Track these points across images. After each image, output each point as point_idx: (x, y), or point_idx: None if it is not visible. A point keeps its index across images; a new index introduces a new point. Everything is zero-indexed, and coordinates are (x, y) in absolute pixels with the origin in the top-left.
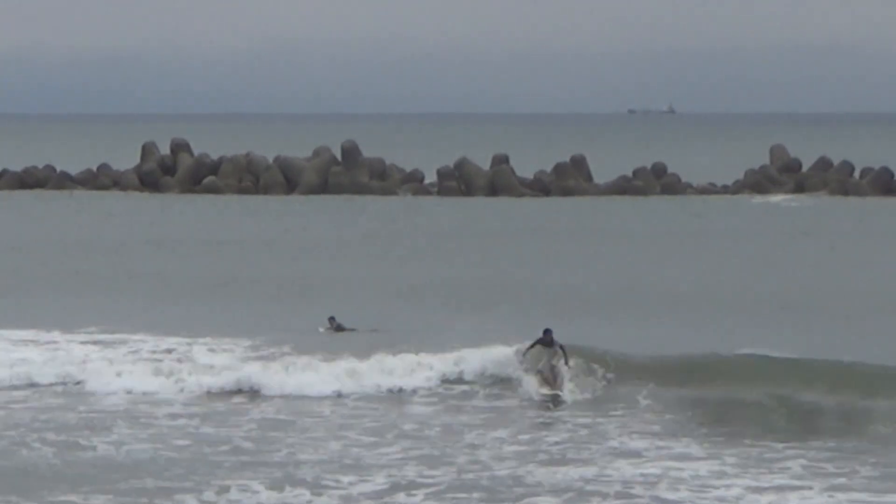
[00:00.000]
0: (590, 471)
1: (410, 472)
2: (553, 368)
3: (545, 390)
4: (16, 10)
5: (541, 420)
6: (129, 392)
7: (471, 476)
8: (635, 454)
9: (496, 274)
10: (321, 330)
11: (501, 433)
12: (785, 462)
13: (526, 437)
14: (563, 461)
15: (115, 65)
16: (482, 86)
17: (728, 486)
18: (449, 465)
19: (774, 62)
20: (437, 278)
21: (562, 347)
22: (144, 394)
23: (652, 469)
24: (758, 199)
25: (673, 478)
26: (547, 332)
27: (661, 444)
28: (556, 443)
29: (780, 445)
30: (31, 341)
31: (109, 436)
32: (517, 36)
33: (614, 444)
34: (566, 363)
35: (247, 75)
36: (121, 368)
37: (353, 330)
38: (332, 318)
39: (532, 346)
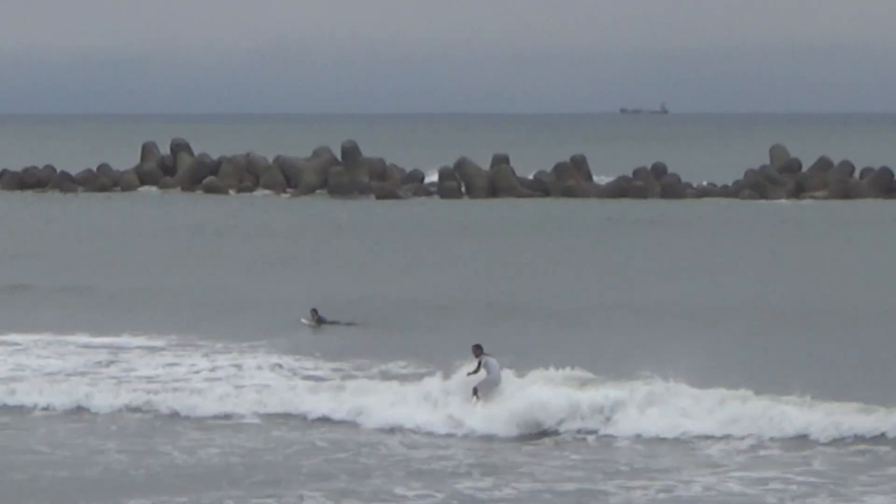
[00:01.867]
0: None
1: (475, 483)
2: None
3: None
4: (17, 11)
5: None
6: (173, 409)
7: (539, 487)
8: (714, 464)
9: (479, 276)
10: (304, 321)
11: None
12: (880, 468)
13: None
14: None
15: (116, 65)
16: (482, 86)
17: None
18: (514, 476)
19: (774, 62)
20: (432, 278)
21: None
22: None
23: (730, 478)
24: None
25: (754, 487)
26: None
27: (741, 452)
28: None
29: (870, 454)
30: (86, 347)
31: (180, 444)
32: (516, 36)
33: (693, 454)
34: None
35: (248, 75)
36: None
37: (335, 323)
38: (314, 311)
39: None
